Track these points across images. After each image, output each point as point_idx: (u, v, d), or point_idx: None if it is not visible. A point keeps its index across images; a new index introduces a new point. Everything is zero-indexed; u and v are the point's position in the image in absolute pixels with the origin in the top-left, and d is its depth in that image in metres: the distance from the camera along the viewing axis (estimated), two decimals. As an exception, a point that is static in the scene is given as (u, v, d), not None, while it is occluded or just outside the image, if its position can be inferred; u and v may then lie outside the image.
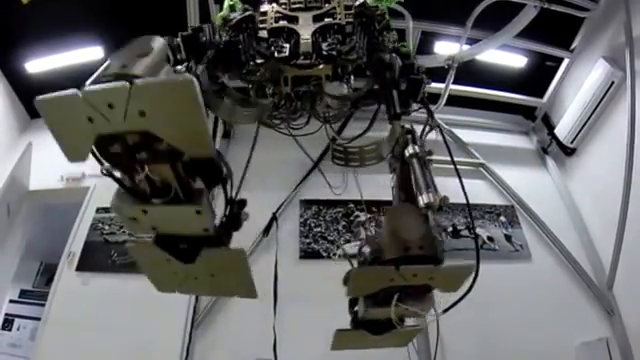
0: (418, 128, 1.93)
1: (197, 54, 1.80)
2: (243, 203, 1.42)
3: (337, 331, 1.70)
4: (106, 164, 1.12)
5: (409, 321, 1.64)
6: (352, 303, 1.68)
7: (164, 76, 1.14)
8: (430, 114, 1.89)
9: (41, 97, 1.02)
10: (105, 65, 1.12)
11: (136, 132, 1.04)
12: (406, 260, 1.33)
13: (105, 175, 1.14)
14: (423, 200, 1.45)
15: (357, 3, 2.33)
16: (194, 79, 0.96)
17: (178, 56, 1.79)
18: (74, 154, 1.09)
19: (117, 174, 1.17)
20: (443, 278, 1.37)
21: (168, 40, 1.79)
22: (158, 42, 1.20)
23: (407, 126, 1.82)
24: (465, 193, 1.75)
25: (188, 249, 1.28)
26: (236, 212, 1.42)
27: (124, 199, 1.17)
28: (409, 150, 1.69)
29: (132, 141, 1.06)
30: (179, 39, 1.80)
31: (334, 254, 5.03)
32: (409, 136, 1.76)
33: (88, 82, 1.08)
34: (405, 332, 1.64)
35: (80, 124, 1.00)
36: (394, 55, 2.02)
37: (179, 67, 1.63)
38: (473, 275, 1.47)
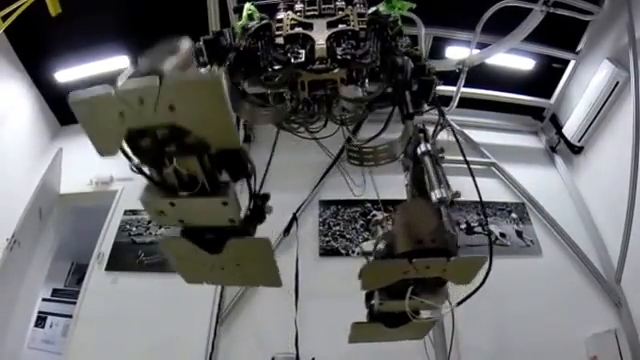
0: (430, 128, 1.95)
1: (219, 57, 1.89)
2: (266, 197, 1.47)
3: (354, 324, 1.68)
4: (135, 160, 1.15)
5: (425, 314, 1.63)
6: (368, 297, 1.67)
7: (193, 74, 1.19)
8: (441, 114, 1.88)
9: (74, 93, 1.05)
10: (136, 65, 1.14)
11: (165, 126, 1.07)
12: (419, 253, 1.33)
13: (134, 171, 1.18)
14: (436, 195, 1.46)
15: (370, 10, 2.36)
16: (222, 78, 1.03)
17: (201, 59, 1.90)
18: (105, 149, 1.11)
19: (146, 170, 1.21)
20: (456, 270, 1.37)
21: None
22: (185, 42, 1.24)
23: (419, 125, 1.82)
24: (478, 190, 1.73)
25: (215, 239, 1.31)
26: (260, 205, 1.45)
27: (153, 193, 1.20)
28: (421, 148, 1.69)
29: (161, 135, 1.10)
30: (201, 43, 1.89)
31: (353, 251, 5.07)
32: (421, 134, 1.76)
33: (119, 80, 1.09)
34: (420, 324, 1.62)
35: (111, 119, 1.03)
36: (406, 58, 2.05)
37: (203, 70, 1.71)
38: (487, 268, 1.47)
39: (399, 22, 2.35)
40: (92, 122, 1.06)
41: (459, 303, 1.55)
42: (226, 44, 1.97)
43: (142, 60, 1.12)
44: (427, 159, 1.64)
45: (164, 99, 0.99)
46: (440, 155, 1.67)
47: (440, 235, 1.34)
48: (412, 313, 1.48)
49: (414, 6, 2.72)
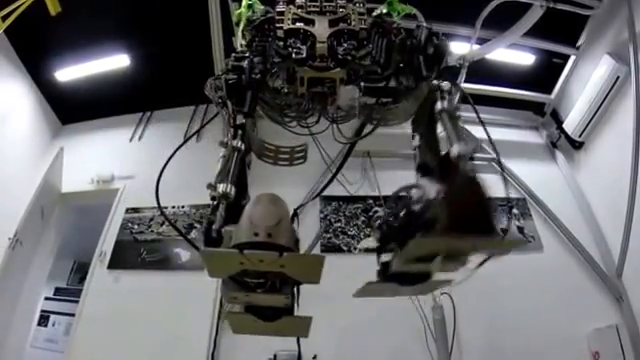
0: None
1: (237, 95, 1.89)
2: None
3: (367, 283, 1.65)
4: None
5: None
6: (380, 252, 1.65)
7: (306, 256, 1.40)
8: (454, 79, 1.87)
9: (207, 250, 1.31)
10: (249, 222, 1.31)
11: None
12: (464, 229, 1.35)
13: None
14: (455, 150, 1.46)
15: (374, 14, 2.35)
16: (324, 257, 1.27)
17: (219, 93, 1.91)
18: (218, 276, 1.40)
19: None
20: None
21: (210, 82, 1.96)
22: (284, 209, 1.39)
23: (434, 83, 1.78)
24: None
25: (272, 314, 1.52)
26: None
27: (232, 288, 1.42)
28: (438, 106, 1.68)
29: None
30: (223, 82, 1.89)
31: (355, 248, 5.07)
32: (438, 92, 1.74)
33: (235, 237, 1.30)
34: (433, 283, 1.64)
35: (232, 264, 1.28)
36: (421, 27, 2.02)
37: (236, 143, 1.68)
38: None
39: (402, 31, 2.28)
40: (216, 265, 1.33)
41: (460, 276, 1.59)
42: (244, 81, 1.92)
43: (253, 221, 1.30)
44: (445, 116, 1.65)
45: (278, 263, 1.25)
46: (457, 114, 1.69)
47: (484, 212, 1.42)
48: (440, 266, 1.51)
49: (413, 12, 2.73)
